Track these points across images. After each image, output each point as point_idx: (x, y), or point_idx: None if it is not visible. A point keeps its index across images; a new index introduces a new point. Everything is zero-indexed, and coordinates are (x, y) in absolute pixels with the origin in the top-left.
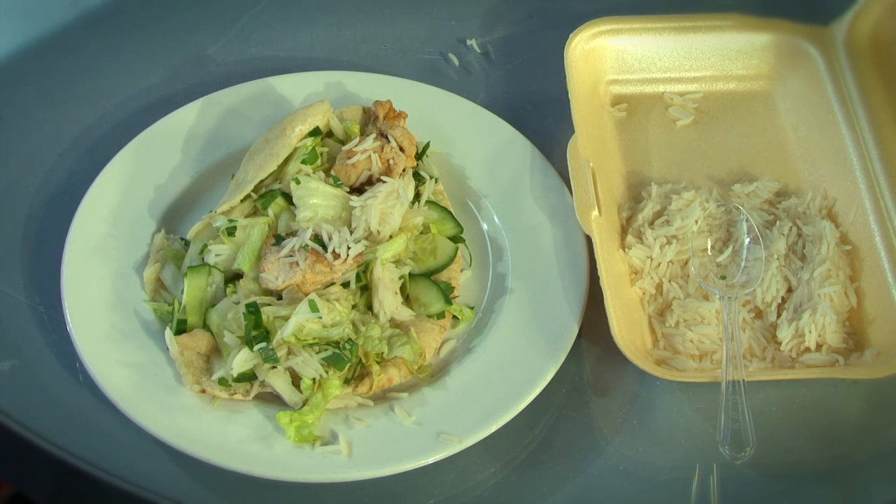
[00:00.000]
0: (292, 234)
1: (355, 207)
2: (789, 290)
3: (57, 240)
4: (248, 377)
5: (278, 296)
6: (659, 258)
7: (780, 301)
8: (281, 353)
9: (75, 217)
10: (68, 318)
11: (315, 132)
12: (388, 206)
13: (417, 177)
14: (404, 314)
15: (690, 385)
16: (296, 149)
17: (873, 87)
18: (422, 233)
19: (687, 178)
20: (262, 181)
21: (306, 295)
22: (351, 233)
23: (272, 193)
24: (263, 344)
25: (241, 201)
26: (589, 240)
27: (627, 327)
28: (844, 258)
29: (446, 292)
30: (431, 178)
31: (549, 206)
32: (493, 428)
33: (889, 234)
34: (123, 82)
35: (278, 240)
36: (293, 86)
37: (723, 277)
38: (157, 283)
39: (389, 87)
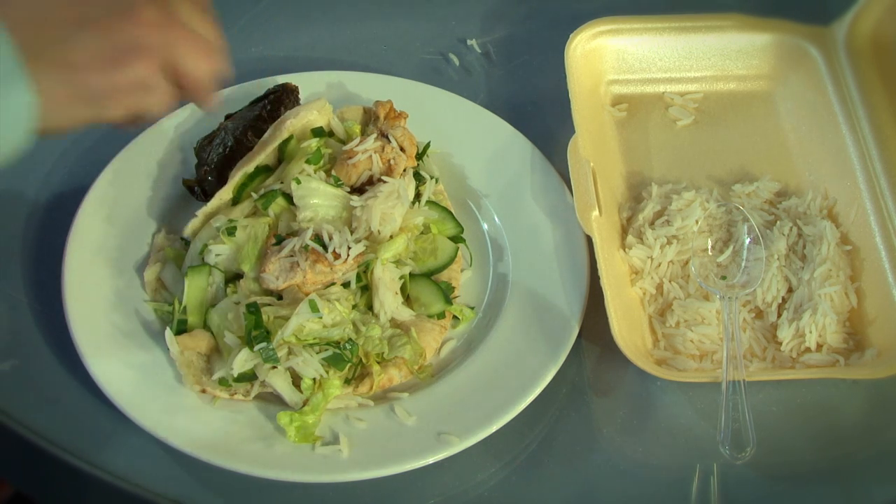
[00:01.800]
0: (293, 234)
1: (356, 207)
2: (790, 291)
3: (57, 240)
4: (249, 377)
5: (279, 296)
6: (659, 258)
7: (780, 301)
8: (281, 353)
9: (76, 217)
10: (69, 318)
11: (319, 132)
12: (389, 206)
13: (418, 177)
14: (405, 314)
15: (691, 385)
16: (299, 149)
17: (874, 87)
18: (422, 233)
19: (687, 179)
20: (262, 182)
21: (307, 295)
22: (351, 233)
23: (273, 193)
24: (264, 344)
25: (242, 201)
26: (589, 240)
27: (628, 327)
28: (845, 258)
29: (447, 292)
30: (432, 178)
31: (550, 205)
32: (494, 428)
33: (889, 234)
34: None
35: (279, 240)
36: None
37: (723, 277)
38: (158, 283)
39: (390, 87)
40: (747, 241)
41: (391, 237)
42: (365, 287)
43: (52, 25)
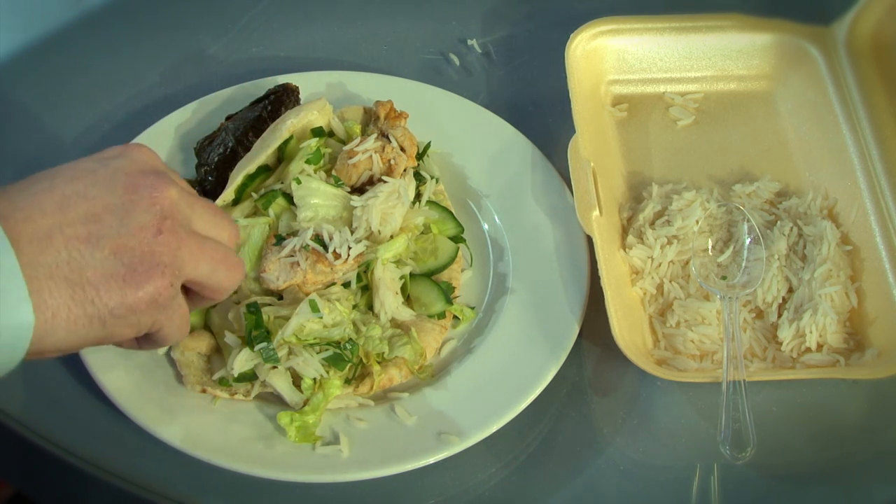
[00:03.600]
0: (293, 234)
1: (356, 207)
2: (790, 291)
3: None
4: (249, 377)
5: (279, 296)
6: (660, 258)
7: (780, 301)
8: (281, 353)
9: None
10: None
11: (319, 132)
12: (389, 206)
13: (418, 177)
14: (405, 314)
15: (691, 385)
16: (299, 149)
17: (874, 87)
18: (423, 233)
19: (688, 178)
20: (262, 181)
21: (307, 295)
22: (352, 233)
23: (273, 193)
24: (264, 344)
25: (242, 201)
26: (590, 240)
27: (628, 327)
28: (845, 258)
29: (447, 292)
30: (432, 178)
31: (550, 206)
32: (494, 428)
33: (890, 234)
34: (123, 82)
35: (279, 240)
36: None
37: (723, 278)
38: None
39: (390, 87)
40: (748, 241)
41: (391, 237)
42: (365, 287)
43: (63, 243)
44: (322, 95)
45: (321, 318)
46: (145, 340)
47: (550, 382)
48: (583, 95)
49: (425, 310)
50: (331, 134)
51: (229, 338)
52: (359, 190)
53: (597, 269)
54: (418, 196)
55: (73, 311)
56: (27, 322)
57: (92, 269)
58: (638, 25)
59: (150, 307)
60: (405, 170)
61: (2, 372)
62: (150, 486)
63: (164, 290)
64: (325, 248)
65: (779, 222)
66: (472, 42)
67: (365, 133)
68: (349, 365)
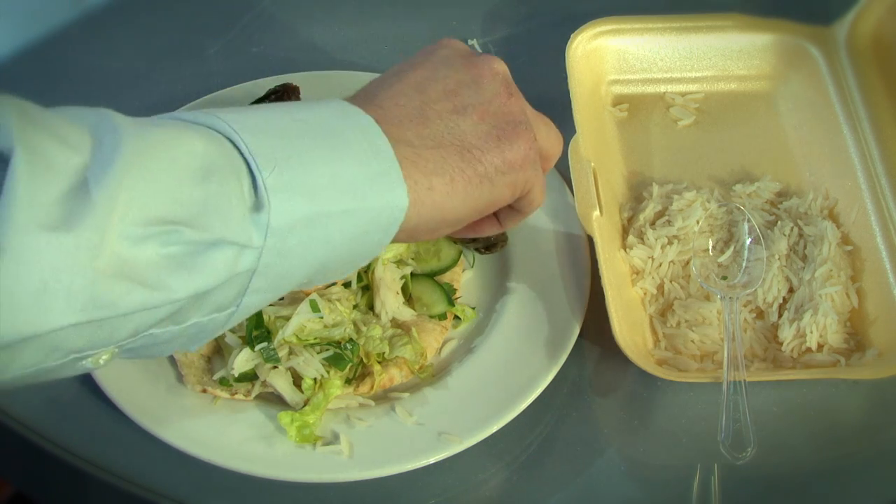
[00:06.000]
0: None
1: None
2: (790, 291)
3: None
4: (250, 377)
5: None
6: (660, 258)
7: (781, 301)
8: (282, 352)
9: None
10: None
11: None
12: None
13: None
14: (406, 314)
15: (692, 385)
16: None
17: (875, 87)
18: None
19: (688, 179)
20: None
21: (307, 295)
22: None
23: None
24: (265, 344)
25: None
26: (590, 240)
27: (629, 327)
28: (846, 258)
29: (449, 293)
30: None
31: (550, 206)
32: (495, 428)
33: (890, 234)
34: (123, 82)
35: None
36: None
37: (724, 278)
38: None
39: None
40: (748, 241)
41: None
42: (366, 287)
43: (438, 117)
44: (324, 96)
45: (322, 317)
46: (514, 207)
47: (551, 382)
48: (583, 95)
49: (427, 310)
50: None
51: (230, 338)
52: None
53: (597, 269)
54: None
55: (466, 172)
56: (402, 203)
57: (470, 134)
58: (638, 25)
59: (524, 162)
60: None
61: (375, 251)
62: (150, 486)
63: (531, 143)
64: None
65: (779, 222)
66: (473, 42)
67: None
68: (350, 365)
